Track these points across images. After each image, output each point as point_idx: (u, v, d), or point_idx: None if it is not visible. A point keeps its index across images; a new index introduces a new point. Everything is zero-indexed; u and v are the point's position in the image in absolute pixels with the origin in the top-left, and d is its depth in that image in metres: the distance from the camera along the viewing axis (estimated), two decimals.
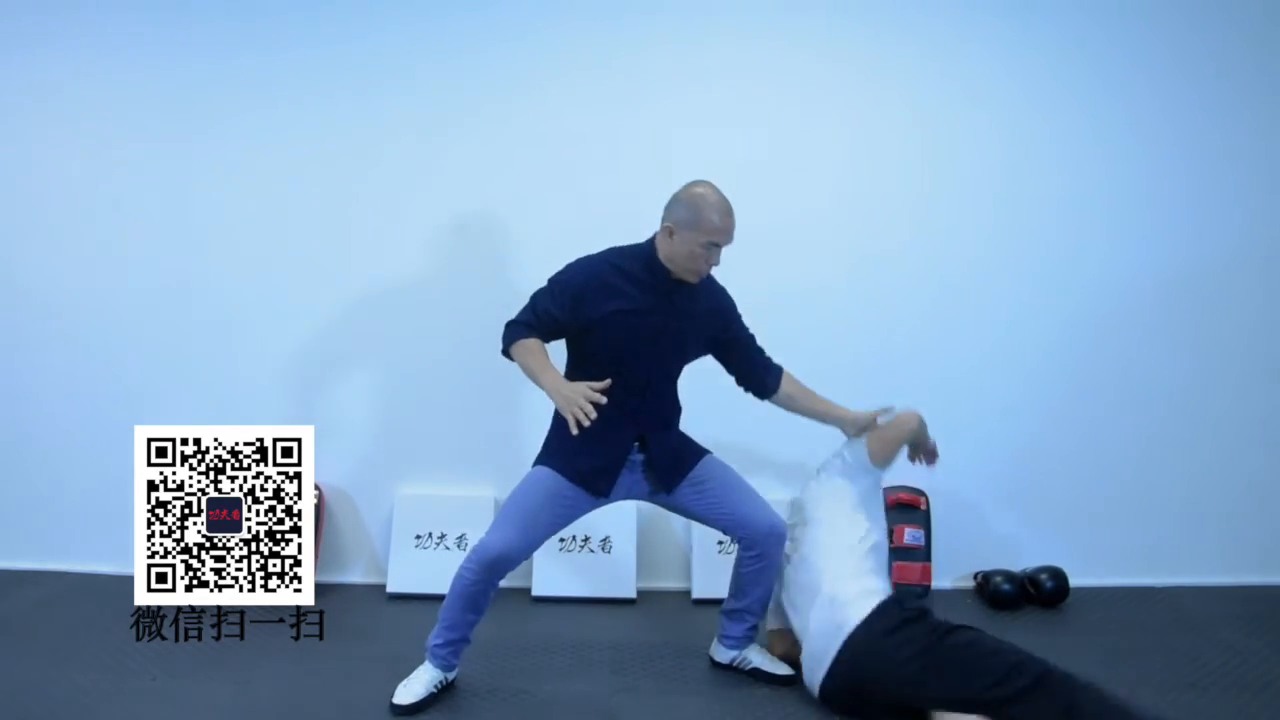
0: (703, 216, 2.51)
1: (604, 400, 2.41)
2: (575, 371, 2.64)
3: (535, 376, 2.52)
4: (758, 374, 2.81)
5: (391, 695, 2.56)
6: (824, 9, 3.46)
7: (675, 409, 2.77)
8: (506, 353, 2.60)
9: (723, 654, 2.86)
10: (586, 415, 2.38)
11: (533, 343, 2.56)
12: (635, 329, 2.58)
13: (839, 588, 2.57)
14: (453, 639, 2.61)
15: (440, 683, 2.62)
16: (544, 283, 2.63)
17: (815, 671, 2.56)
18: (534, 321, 2.58)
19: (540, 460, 2.69)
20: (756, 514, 2.69)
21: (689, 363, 2.76)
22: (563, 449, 2.61)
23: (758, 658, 2.81)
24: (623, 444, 2.65)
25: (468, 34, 3.46)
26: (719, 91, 3.48)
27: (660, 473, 2.69)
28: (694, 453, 2.75)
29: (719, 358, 2.80)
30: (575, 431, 2.40)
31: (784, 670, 2.78)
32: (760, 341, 2.84)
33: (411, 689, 2.57)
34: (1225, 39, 3.49)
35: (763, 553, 2.70)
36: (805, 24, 3.47)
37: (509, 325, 2.61)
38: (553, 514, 2.62)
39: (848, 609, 2.52)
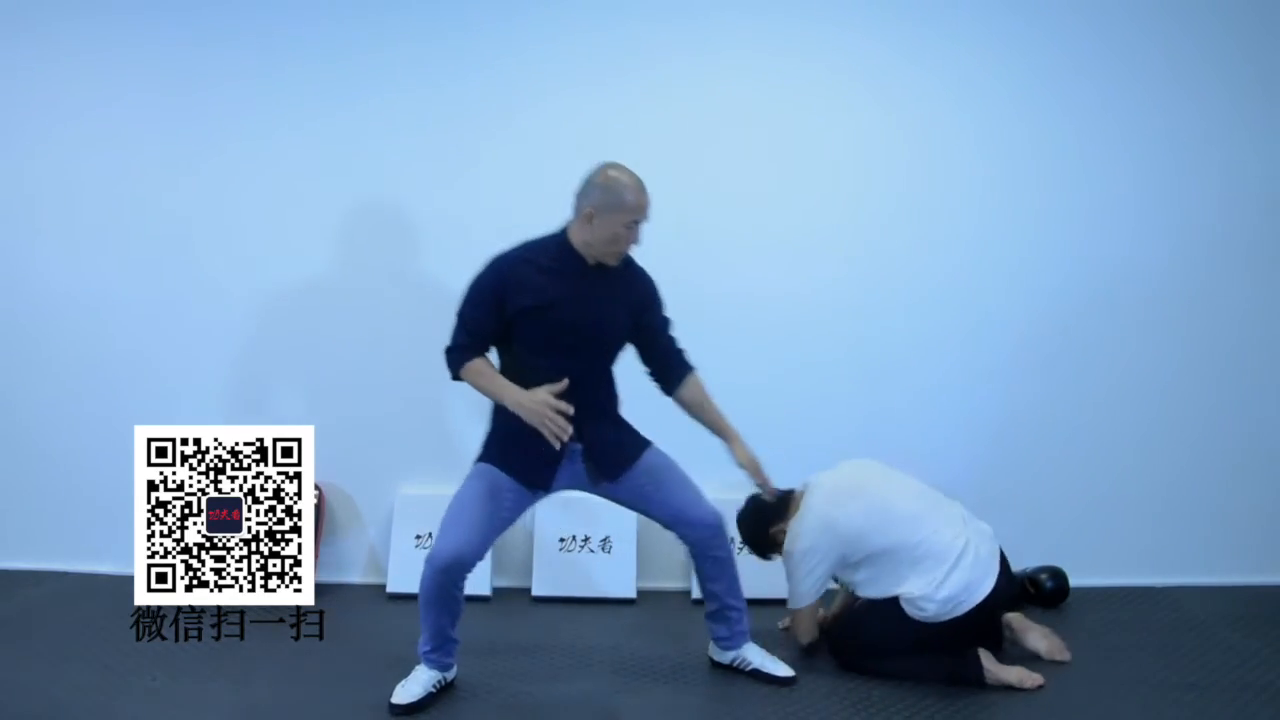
0: (622, 198, 2.51)
1: (570, 409, 2.42)
2: (506, 371, 2.63)
3: (495, 395, 2.54)
4: (662, 367, 2.73)
5: (390, 695, 2.56)
6: (828, 19, 3.47)
7: (612, 398, 2.72)
8: (457, 378, 2.61)
9: (720, 655, 2.85)
10: (562, 429, 2.42)
11: (478, 363, 2.57)
12: (555, 322, 2.55)
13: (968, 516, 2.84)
14: (438, 643, 2.61)
15: (439, 682, 2.62)
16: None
17: (978, 584, 2.69)
18: (469, 341, 2.58)
19: (481, 458, 2.67)
20: (697, 509, 2.68)
21: (621, 347, 2.70)
22: (501, 445, 2.60)
23: (757, 657, 2.80)
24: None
25: (479, 39, 3.46)
26: (717, 99, 3.48)
27: (599, 462, 2.65)
28: (637, 443, 2.71)
29: (633, 342, 2.73)
30: (558, 446, 2.45)
31: (784, 671, 2.77)
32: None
33: (410, 689, 2.57)
34: (1213, 35, 3.49)
35: (706, 549, 2.70)
36: (809, 34, 3.48)
37: (448, 351, 2.60)
38: (496, 509, 2.59)
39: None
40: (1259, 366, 3.56)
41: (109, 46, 3.52)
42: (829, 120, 3.52)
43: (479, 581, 3.33)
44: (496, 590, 3.43)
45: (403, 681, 2.59)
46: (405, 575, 3.41)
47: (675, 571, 3.54)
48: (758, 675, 2.78)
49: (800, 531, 2.80)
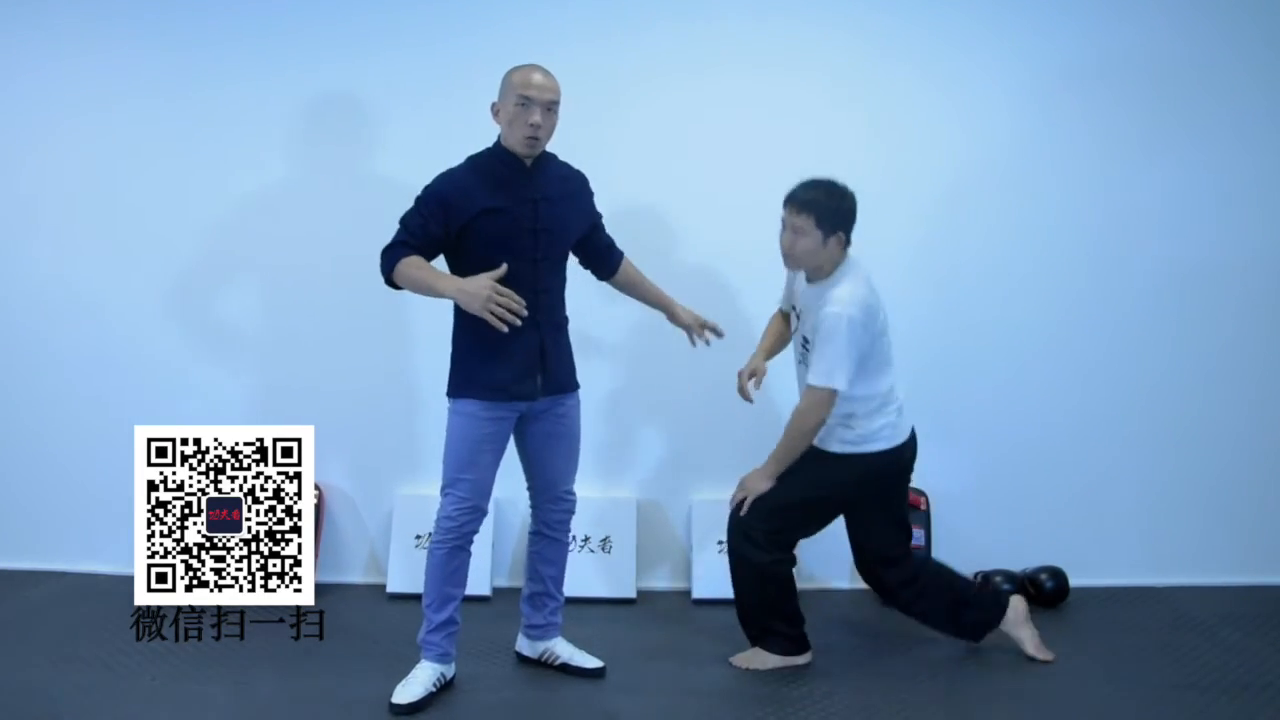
0: (510, 80, 2.56)
1: (520, 303, 2.42)
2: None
3: (431, 286, 2.49)
4: (603, 255, 2.83)
5: (390, 695, 2.56)
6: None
7: (565, 313, 2.72)
8: (390, 280, 2.54)
9: (529, 648, 2.85)
10: (509, 310, 2.41)
11: (414, 259, 2.51)
12: (507, 224, 2.55)
13: None
14: (441, 621, 2.61)
15: (439, 680, 2.62)
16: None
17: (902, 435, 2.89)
18: (409, 240, 2.54)
19: (455, 392, 2.62)
20: (569, 485, 2.75)
21: (569, 247, 2.72)
22: (474, 371, 2.57)
23: (565, 651, 2.80)
24: (531, 345, 2.58)
25: (480, 43, 3.43)
26: (725, 78, 3.47)
27: (549, 377, 2.63)
28: (574, 374, 2.74)
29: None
30: (505, 329, 2.42)
31: (594, 663, 2.78)
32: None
33: (410, 689, 2.57)
34: (1249, 38, 3.50)
35: (555, 530, 2.77)
36: (826, 5, 3.47)
37: (385, 250, 2.54)
38: (492, 448, 2.60)
39: None
40: (1259, 366, 3.55)
41: (110, 44, 3.51)
42: (859, 103, 3.50)
43: (479, 581, 3.34)
44: (496, 590, 3.43)
45: (403, 681, 2.59)
46: (405, 575, 3.41)
47: (675, 571, 3.54)
48: (567, 669, 2.78)
49: (852, 297, 2.68)
